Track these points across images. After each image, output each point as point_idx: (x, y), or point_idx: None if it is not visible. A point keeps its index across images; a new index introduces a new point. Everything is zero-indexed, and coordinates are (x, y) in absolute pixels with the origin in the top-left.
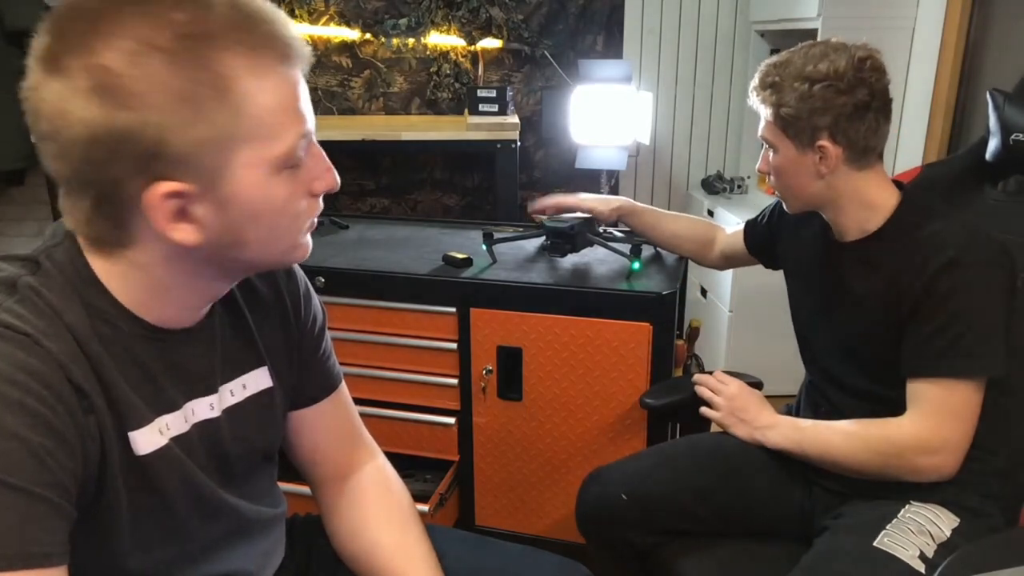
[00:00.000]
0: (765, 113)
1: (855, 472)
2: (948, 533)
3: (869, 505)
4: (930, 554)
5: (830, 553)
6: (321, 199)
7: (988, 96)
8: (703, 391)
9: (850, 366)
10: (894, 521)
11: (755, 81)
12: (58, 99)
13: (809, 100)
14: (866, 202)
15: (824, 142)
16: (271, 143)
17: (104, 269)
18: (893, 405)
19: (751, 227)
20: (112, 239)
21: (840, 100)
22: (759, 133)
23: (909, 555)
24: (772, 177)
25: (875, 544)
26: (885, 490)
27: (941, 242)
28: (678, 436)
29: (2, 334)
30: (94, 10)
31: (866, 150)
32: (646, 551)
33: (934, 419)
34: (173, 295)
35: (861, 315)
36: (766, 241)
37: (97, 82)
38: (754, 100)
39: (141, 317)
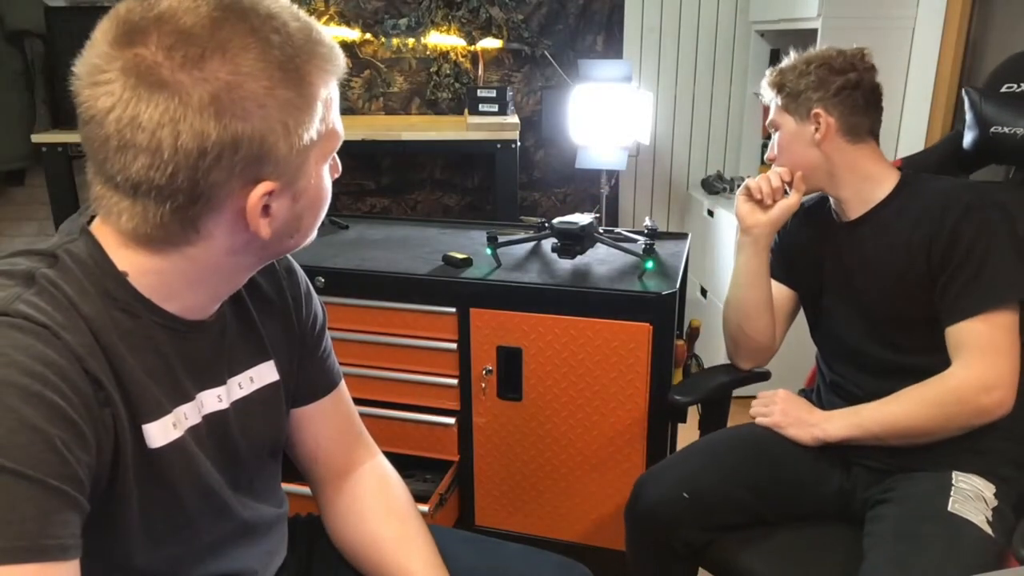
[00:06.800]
0: (772, 97)
1: (923, 434)
2: (996, 500)
3: (916, 478)
4: (991, 518)
5: (912, 518)
6: None
7: (963, 94)
8: (755, 408)
9: (873, 343)
10: (953, 489)
11: (766, 78)
12: (164, 113)
13: (807, 77)
14: (863, 174)
15: (818, 110)
16: (333, 140)
17: (134, 263)
18: (919, 374)
19: (772, 260)
20: (179, 239)
21: (833, 78)
22: (767, 122)
23: (980, 520)
24: (778, 159)
25: (949, 509)
26: (925, 463)
27: (954, 193)
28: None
29: (20, 325)
30: (203, 28)
31: (857, 125)
32: (699, 549)
33: (986, 357)
34: (207, 286)
35: (879, 276)
36: (783, 256)
37: (214, 97)
38: (764, 91)
39: (160, 306)
